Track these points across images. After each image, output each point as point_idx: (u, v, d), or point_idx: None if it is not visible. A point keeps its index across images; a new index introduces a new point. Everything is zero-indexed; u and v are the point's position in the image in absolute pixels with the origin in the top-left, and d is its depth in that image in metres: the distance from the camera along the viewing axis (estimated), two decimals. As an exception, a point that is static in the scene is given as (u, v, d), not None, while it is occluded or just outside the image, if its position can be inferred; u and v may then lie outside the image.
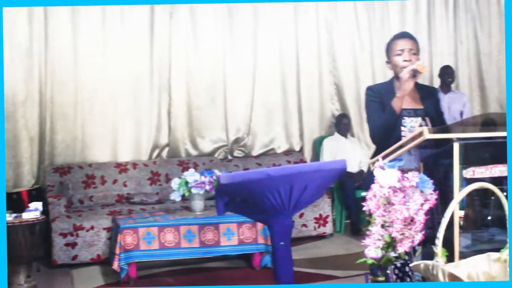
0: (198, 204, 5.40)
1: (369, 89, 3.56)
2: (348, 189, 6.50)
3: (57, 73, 6.29)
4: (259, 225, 5.21)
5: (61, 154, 6.31)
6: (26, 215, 4.56)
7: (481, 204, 3.34)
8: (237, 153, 6.98)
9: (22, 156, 6.16)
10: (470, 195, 3.11)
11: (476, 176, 2.97)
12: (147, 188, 6.34)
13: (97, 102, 6.44)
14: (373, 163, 3.01)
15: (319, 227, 6.34)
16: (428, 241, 2.89)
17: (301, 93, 7.11)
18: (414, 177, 2.83)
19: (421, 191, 2.84)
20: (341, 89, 7.25)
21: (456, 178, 2.92)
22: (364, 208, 2.89)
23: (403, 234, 2.82)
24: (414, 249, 3.08)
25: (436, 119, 3.49)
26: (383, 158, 3.03)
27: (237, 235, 5.26)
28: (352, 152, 6.79)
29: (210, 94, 6.83)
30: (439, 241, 2.49)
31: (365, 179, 3.72)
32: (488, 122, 3.69)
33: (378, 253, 2.87)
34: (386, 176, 2.84)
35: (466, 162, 2.99)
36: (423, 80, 7.40)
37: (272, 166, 6.18)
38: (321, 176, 3.54)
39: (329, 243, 6.24)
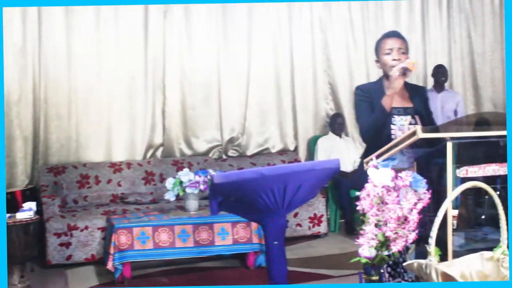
0: (192, 204, 5.40)
1: (359, 88, 3.57)
2: (343, 188, 6.51)
3: (51, 72, 6.27)
4: (254, 225, 5.21)
5: (55, 154, 6.30)
6: (20, 215, 4.56)
7: (474, 203, 3.35)
8: (231, 152, 6.98)
9: (16, 156, 6.14)
10: (464, 194, 3.13)
11: (469, 175, 2.98)
12: (142, 188, 6.33)
13: (91, 102, 6.42)
14: (367, 162, 3.02)
15: (313, 226, 6.35)
16: (421, 240, 2.90)
17: (295, 93, 7.12)
18: (407, 176, 2.84)
19: (415, 190, 2.85)
20: (335, 89, 7.25)
21: (449, 177, 2.93)
22: (358, 208, 2.90)
23: (396, 233, 2.83)
24: (406, 248, 3.09)
25: (426, 118, 3.50)
26: (377, 157, 3.03)
27: (232, 234, 5.26)
28: (346, 152, 6.79)
29: (204, 94, 6.82)
30: (432, 240, 2.50)
31: (356, 178, 3.72)
32: (482, 121, 3.70)
33: (372, 252, 2.88)
34: (379, 175, 2.85)
35: (460, 161, 3.00)
36: (417, 79, 7.51)
37: (266, 166, 6.18)
38: (314, 176, 3.55)
39: (324, 243, 6.24)
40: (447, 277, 2.40)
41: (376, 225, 2.84)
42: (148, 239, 5.12)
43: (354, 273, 3.28)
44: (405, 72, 3.32)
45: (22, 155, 6.18)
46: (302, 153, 7.19)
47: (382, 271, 2.99)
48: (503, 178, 3.10)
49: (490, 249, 2.64)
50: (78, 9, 6.32)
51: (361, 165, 3.61)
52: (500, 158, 3.04)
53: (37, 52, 6.22)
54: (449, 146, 2.93)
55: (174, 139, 6.75)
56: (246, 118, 6.98)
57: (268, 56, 7.02)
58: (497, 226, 2.66)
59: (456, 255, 2.85)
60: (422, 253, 3.13)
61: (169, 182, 5.41)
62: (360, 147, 7.04)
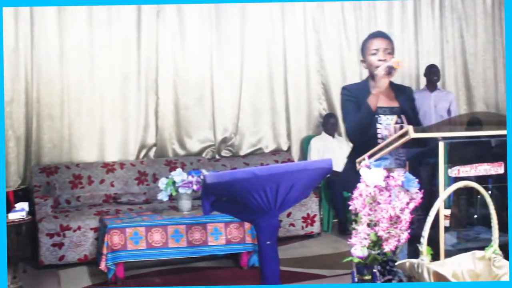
0: (185, 204, 5.40)
1: (345, 88, 3.58)
2: (336, 188, 6.52)
3: (44, 72, 6.26)
4: (247, 225, 5.22)
5: (48, 154, 6.28)
6: (12, 216, 4.54)
7: (467, 203, 3.36)
8: (224, 152, 6.98)
9: (8, 156, 6.12)
10: (456, 194, 3.14)
11: (461, 175, 2.99)
12: (135, 188, 6.33)
13: (84, 102, 6.41)
14: (359, 162, 3.03)
15: (306, 226, 6.35)
16: (413, 240, 2.91)
17: (288, 93, 7.13)
18: (399, 176, 2.85)
19: (407, 190, 2.86)
20: (328, 89, 7.26)
21: (441, 177, 2.94)
22: (350, 207, 2.91)
23: (389, 232, 2.83)
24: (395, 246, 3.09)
25: (412, 117, 3.51)
26: (369, 157, 3.04)
27: (225, 234, 5.26)
28: (339, 152, 6.78)
29: (197, 94, 6.82)
30: (424, 240, 2.50)
31: (344, 179, 3.71)
32: (474, 121, 3.71)
33: (364, 252, 2.88)
34: (372, 175, 2.86)
35: (452, 161, 3.00)
36: (409, 78, 7.53)
37: (259, 166, 6.18)
38: (307, 176, 3.55)
39: (317, 242, 6.25)
40: (439, 277, 2.41)
41: (369, 225, 2.85)
42: (141, 239, 5.11)
43: (347, 273, 3.28)
44: (390, 71, 3.32)
45: (15, 155, 6.16)
46: (295, 153, 7.19)
47: (374, 270, 3.00)
48: (495, 178, 3.12)
49: (482, 248, 2.65)
50: (70, 9, 6.30)
51: (347, 165, 3.61)
52: (492, 157, 3.05)
53: (30, 52, 6.20)
54: (441, 145, 2.93)
55: (167, 139, 6.74)
56: (239, 118, 6.98)
57: (261, 56, 7.03)
58: (489, 226, 2.67)
59: (448, 254, 2.86)
60: (414, 252, 3.14)
61: (162, 182, 5.41)
62: (353, 147, 7.05)
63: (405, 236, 2.85)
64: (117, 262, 5.04)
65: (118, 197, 6.21)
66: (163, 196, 5.39)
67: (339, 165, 5.93)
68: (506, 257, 2.66)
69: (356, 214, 2.88)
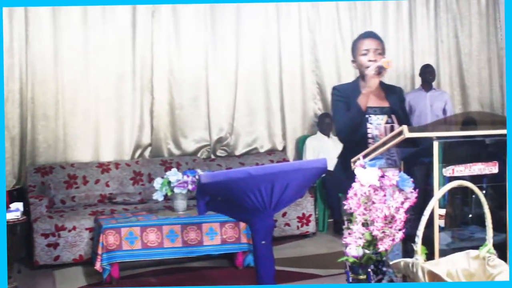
0: (180, 204, 5.39)
1: (335, 88, 3.58)
2: (331, 188, 6.52)
3: (38, 72, 6.24)
4: (242, 225, 5.22)
5: (43, 154, 6.27)
6: (7, 216, 4.52)
7: (461, 202, 3.37)
8: (220, 152, 6.97)
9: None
10: (451, 193, 3.15)
11: (456, 174, 2.99)
12: (130, 188, 6.32)
13: (79, 102, 6.40)
14: (354, 162, 3.03)
15: (302, 226, 6.35)
16: (407, 239, 2.92)
17: (283, 93, 7.13)
18: (394, 175, 2.86)
19: (401, 190, 2.87)
20: (323, 89, 7.27)
21: (436, 177, 2.94)
22: (345, 207, 2.91)
23: (384, 232, 2.84)
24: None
25: (402, 117, 3.51)
26: (364, 157, 3.04)
27: (220, 234, 5.26)
28: (334, 151, 6.69)
29: (192, 94, 6.81)
30: (418, 239, 2.51)
31: (336, 179, 3.70)
32: (468, 121, 3.72)
33: (359, 252, 2.89)
34: (366, 174, 2.86)
35: (446, 161, 3.01)
36: (404, 78, 7.55)
37: (254, 166, 6.18)
38: (302, 175, 3.55)
39: (312, 242, 6.25)
40: (433, 276, 2.42)
41: (364, 224, 2.85)
42: (136, 239, 5.11)
43: (343, 273, 3.28)
44: (380, 71, 3.33)
45: (9, 156, 6.14)
46: (291, 153, 7.20)
47: (369, 270, 3.00)
48: (489, 177, 3.13)
49: (477, 247, 2.66)
50: (65, 8, 6.29)
51: (338, 165, 3.61)
52: (486, 157, 3.06)
53: (24, 52, 6.18)
54: (436, 145, 2.94)
55: (162, 139, 6.73)
56: (235, 118, 6.98)
57: (256, 56, 7.02)
58: (483, 225, 2.68)
59: (443, 253, 2.87)
60: (407, 251, 3.16)
61: (157, 182, 5.40)
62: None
63: (399, 235, 2.86)
64: (112, 262, 5.03)
65: (113, 197, 6.21)
66: (158, 196, 5.38)
67: (334, 165, 5.90)
68: (500, 256, 2.67)
69: (351, 214, 2.89)
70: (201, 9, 6.79)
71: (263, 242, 3.59)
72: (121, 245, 5.06)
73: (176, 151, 6.76)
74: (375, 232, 2.83)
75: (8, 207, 4.70)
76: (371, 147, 3.13)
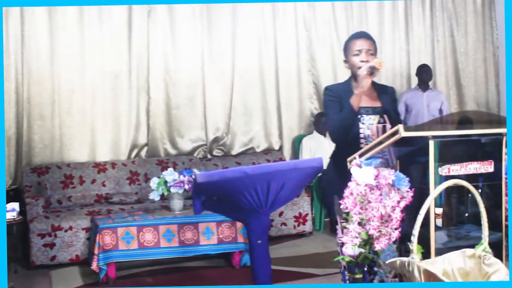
0: (177, 204, 5.39)
1: (327, 89, 3.58)
2: (327, 187, 6.52)
3: (34, 72, 6.23)
4: (239, 224, 5.22)
5: (39, 154, 6.26)
6: (3, 216, 4.52)
7: (457, 201, 3.38)
8: (216, 152, 6.97)
9: (-1, 156, 6.09)
10: (447, 192, 3.16)
11: (452, 173, 3.00)
12: (126, 188, 6.31)
13: (75, 102, 6.39)
14: (350, 161, 3.04)
15: (298, 225, 6.36)
16: (404, 238, 2.92)
17: (280, 92, 7.13)
18: (390, 174, 2.86)
19: (397, 189, 2.87)
20: (319, 88, 7.26)
21: (432, 176, 2.95)
22: (341, 206, 2.92)
23: (380, 231, 2.85)
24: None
25: (394, 117, 3.51)
26: (360, 156, 3.05)
27: (217, 234, 5.26)
28: (331, 151, 6.77)
29: (189, 93, 6.81)
30: (414, 238, 2.52)
31: (329, 180, 3.71)
32: (464, 120, 3.73)
33: (356, 251, 2.89)
34: (362, 174, 2.87)
35: (442, 160, 3.02)
36: (400, 77, 7.56)
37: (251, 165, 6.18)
38: (298, 174, 3.55)
39: (309, 241, 6.26)
40: (429, 275, 2.42)
41: (360, 223, 2.86)
42: (132, 239, 5.10)
43: (339, 272, 3.29)
44: (372, 71, 3.33)
45: (5, 156, 6.13)
46: (287, 153, 7.20)
47: (365, 269, 3.01)
48: (485, 176, 3.13)
49: (472, 246, 2.66)
50: (61, 8, 6.28)
51: (330, 165, 3.61)
52: (482, 156, 3.06)
53: (20, 52, 6.17)
54: (431, 144, 2.94)
55: (159, 139, 6.73)
56: (231, 118, 6.98)
57: (252, 56, 7.02)
58: (479, 224, 2.69)
59: (439, 252, 2.87)
60: (400, 250, 3.17)
61: (154, 182, 5.40)
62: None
63: (395, 234, 2.86)
64: (108, 262, 5.03)
65: (109, 197, 6.20)
66: (154, 196, 5.38)
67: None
68: (496, 255, 2.68)
69: (347, 213, 2.89)
70: (197, 8, 6.79)
71: (259, 241, 3.59)
72: (117, 245, 5.05)
73: (172, 151, 6.76)
74: (371, 231, 2.83)
75: (4, 207, 4.70)
76: (367, 147, 3.14)
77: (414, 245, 2.51)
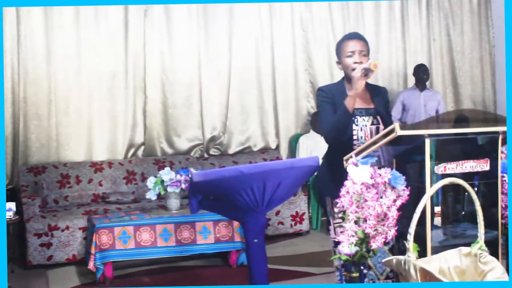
0: (174, 203, 5.39)
1: (320, 89, 3.56)
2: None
3: (31, 72, 6.22)
4: (235, 223, 5.22)
5: (35, 154, 6.25)
6: (0, 216, 4.51)
7: (454, 199, 3.38)
8: (213, 151, 6.97)
9: (-4, 156, 6.09)
10: (444, 191, 3.16)
11: (448, 172, 3.00)
12: (123, 187, 6.31)
13: (71, 101, 6.38)
14: (347, 160, 3.04)
15: (295, 224, 6.36)
16: (400, 236, 2.93)
17: (276, 91, 7.13)
18: (386, 173, 2.86)
19: (394, 187, 2.87)
20: (316, 87, 7.24)
21: (428, 174, 2.95)
22: (337, 205, 2.92)
23: (376, 230, 2.85)
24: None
25: (386, 118, 3.51)
26: (356, 155, 3.05)
27: (214, 233, 5.26)
28: (327, 150, 6.81)
29: (185, 93, 6.81)
30: (410, 237, 2.52)
31: (322, 181, 3.68)
32: (461, 118, 3.73)
33: (352, 249, 2.89)
34: (358, 172, 2.87)
35: (439, 158, 3.02)
36: (397, 77, 7.56)
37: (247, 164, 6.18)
38: (294, 173, 3.55)
39: (306, 240, 6.26)
40: (425, 273, 2.43)
41: (356, 222, 2.86)
42: (129, 239, 5.10)
43: (336, 271, 3.30)
44: (367, 73, 3.32)
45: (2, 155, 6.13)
46: (284, 152, 7.20)
47: (362, 268, 3.01)
48: (481, 175, 3.14)
49: (468, 244, 2.67)
50: (57, 8, 6.27)
51: (322, 166, 3.60)
52: (478, 154, 3.07)
53: (16, 52, 6.16)
54: (427, 143, 2.94)
55: (156, 138, 6.73)
56: (228, 117, 6.98)
57: (249, 55, 7.03)
58: (475, 222, 2.70)
59: (435, 251, 2.88)
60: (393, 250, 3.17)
61: (151, 181, 5.39)
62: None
63: (392, 233, 2.87)
64: (105, 262, 5.03)
65: (106, 197, 6.20)
66: (151, 195, 5.38)
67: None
68: (491, 253, 2.69)
69: (344, 212, 2.89)
70: (193, 8, 6.79)
71: (256, 240, 3.59)
72: (114, 245, 5.05)
73: (169, 150, 6.76)
74: (367, 230, 2.83)
75: (0, 207, 4.69)
76: (363, 145, 3.13)
77: (410, 244, 2.52)
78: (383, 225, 2.85)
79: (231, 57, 6.95)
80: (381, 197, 2.86)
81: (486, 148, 3.12)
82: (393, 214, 2.84)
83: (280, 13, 7.14)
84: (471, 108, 7.58)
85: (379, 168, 2.94)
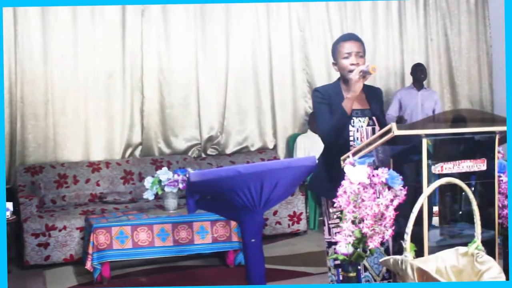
0: (171, 203, 5.39)
1: (317, 90, 3.54)
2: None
3: (28, 72, 6.22)
4: (233, 223, 5.22)
5: (33, 153, 6.25)
6: (-3, 216, 4.51)
7: (451, 199, 3.38)
8: (210, 151, 6.97)
9: (-7, 156, 6.08)
10: (441, 190, 3.16)
11: (445, 171, 3.00)
12: (120, 187, 6.31)
13: (68, 101, 6.38)
14: (344, 160, 3.04)
15: (293, 224, 6.37)
16: (397, 236, 2.93)
17: (274, 91, 7.14)
18: (383, 173, 2.86)
19: (391, 187, 2.87)
20: (313, 87, 7.25)
21: (425, 174, 2.95)
22: (335, 205, 2.92)
23: (373, 229, 2.85)
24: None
25: (382, 119, 3.51)
26: (353, 154, 3.05)
27: (211, 233, 5.26)
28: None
29: (183, 93, 6.81)
30: (407, 236, 2.52)
31: (317, 179, 3.68)
32: (458, 118, 3.73)
33: (349, 249, 2.90)
34: (356, 172, 2.87)
35: (436, 158, 3.02)
36: (394, 76, 7.57)
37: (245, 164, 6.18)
38: (291, 173, 3.55)
39: (303, 240, 6.27)
40: (422, 273, 2.43)
41: (353, 222, 2.86)
42: (127, 239, 5.10)
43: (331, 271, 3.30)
44: (364, 74, 3.32)
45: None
46: (281, 151, 7.21)
47: (359, 267, 3.02)
48: (478, 174, 3.14)
49: (465, 244, 2.67)
50: (54, 8, 6.26)
51: (318, 167, 3.60)
52: (475, 154, 3.07)
53: (13, 51, 6.16)
54: (424, 142, 2.94)
55: (153, 138, 6.73)
56: (225, 117, 6.98)
57: (246, 55, 7.03)
58: (472, 222, 2.70)
59: (432, 250, 2.88)
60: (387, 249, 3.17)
61: (148, 181, 5.39)
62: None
63: (389, 233, 2.87)
64: (103, 262, 5.03)
65: (103, 196, 6.20)
66: (149, 195, 5.38)
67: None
68: (488, 252, 2.69)
69: (341, 211, 2.89)
70: (191, 8, 6.79)
71: (253, 240, 3.59)
72: (111, 245, 5.05)
73: (166, 150, 6.76)
74: (364, 230, 2.83)
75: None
76: (360, 145, 3.14)
77: (407, 243, 2.52)
78: (380, 224, 2.86)
79: (229, 57, 6.95)
80: (378, 197, 2.86)
81: (483, 148, 3.12)
82: (390, 214, 2.84)
83: (277, 13, 7.15)
84: (468, 108, 7.59)
85: (376, 168, 2.94)
